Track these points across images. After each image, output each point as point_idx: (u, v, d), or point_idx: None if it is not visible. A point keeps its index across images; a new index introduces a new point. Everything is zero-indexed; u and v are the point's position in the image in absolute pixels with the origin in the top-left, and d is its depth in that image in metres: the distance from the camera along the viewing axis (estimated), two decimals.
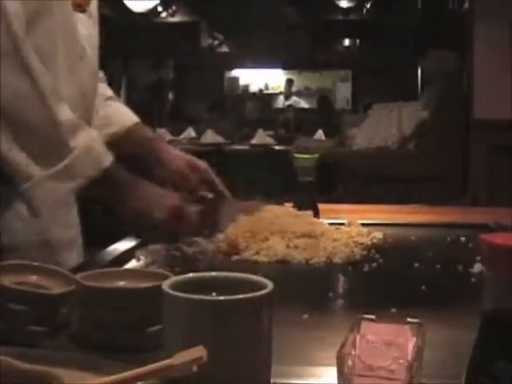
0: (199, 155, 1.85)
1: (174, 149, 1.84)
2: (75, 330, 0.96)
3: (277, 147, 7.69)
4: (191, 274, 0.76)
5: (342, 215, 1.84)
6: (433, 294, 1.24)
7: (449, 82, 4.72)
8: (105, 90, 1.82)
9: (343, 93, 12.40)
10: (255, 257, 1.48)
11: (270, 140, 8.07)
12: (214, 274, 0.76)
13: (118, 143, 1.69)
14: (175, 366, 0.57)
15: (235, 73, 12.66)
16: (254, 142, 7.84)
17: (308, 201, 1.79)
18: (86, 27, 1.58)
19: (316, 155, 2.07)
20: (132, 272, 1.01)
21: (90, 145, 1.44)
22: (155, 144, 1.80)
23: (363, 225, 1.77)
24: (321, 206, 1.78)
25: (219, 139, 7.05)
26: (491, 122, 4.28)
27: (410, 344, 0.75)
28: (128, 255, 1.52)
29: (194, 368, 0.58)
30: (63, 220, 1.44)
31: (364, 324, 0.78)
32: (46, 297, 0.96)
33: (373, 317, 0.80)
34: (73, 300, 0.95)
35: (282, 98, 12.55)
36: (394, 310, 1.11)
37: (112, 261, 1.46)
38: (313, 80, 12.67)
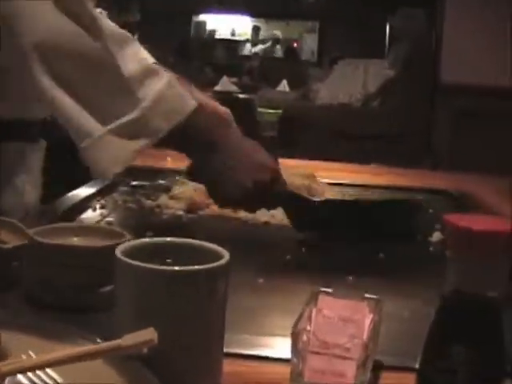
0: None
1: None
2: (27, 286, 0.93)
3: (240, 95, 7.66)
4: (146, 239, 0.73)
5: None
6: (390, 264, 1.23)
7: (417, 41, 4.69)
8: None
9: (309, 44, 12.35)
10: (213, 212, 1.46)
11: (233, 87, 8.03)
12: (169, 239, 0.74)
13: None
14: (124, 347, 0.55)
15: (202, 17, 12.54)
16: (217, 88, 7.80)
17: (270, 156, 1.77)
18: None
19: (279, 111, 2.06)
20: (87, 229, 0.99)
21: (163, 94, 1.21)
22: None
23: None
24: (281, 161, 1.76)
25: None
26: (458, 85, 4.27)
27: (367, 321, 0.74)
28: (86, 203, 1.50)
29: (144, 350, 0.56)
30: None
31: (321, 298, 0.76)
32: None
33: (330, 290, 0.78)
34: (26, 255, 0.93)
35: (248, 45, 12.47)
36: (350, 278, 1.10)
37: (70, 208, 1.43)
38: (280, 29, 12.58)
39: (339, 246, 1.30)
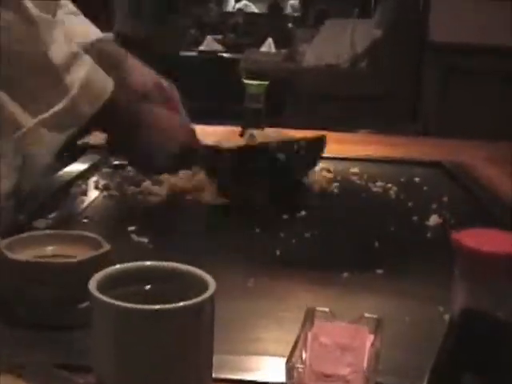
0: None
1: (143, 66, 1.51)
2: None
3: (225, 55, 7.58)
4: (122, 266, 0.66)
5: None
6: (386, 254, 1.16)
7: (404, 0, 4.62)
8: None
9: None
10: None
11: (218, 47, 7.94)
12: (148, 263, 0.67)
13: None
14: None
15: None
16: (202, 48, 7.72)
17: (257, 128, 1.72)
18: None
19: (266, 82, 2.01)
20: (62, 236, 0.92)
21: (89, 76, 1.23)
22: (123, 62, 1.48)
23: None
24: (267, 130, 1.70)
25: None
26: (446, 44, 4.20)
27: (368, 344, 0.68)
28: (67, 188, 1.44)
29: None
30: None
31: (317, 320, 0.70)
32: None
33: (326, 310, 0.72)
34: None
35: (231, 0, 12.31)
36: (345, 274, 1.04)
37: (49, 197, 1.38)
38: None
39: (330, 236, 1.24)
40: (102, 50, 1.45)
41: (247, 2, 12.04)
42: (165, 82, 1.48)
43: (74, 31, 1.49)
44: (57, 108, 1.18)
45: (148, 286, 0.66)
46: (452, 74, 4.21)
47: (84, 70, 1.22)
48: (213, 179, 1.42)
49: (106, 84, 1.26)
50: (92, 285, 0.61)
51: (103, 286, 0.62)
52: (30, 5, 1.16)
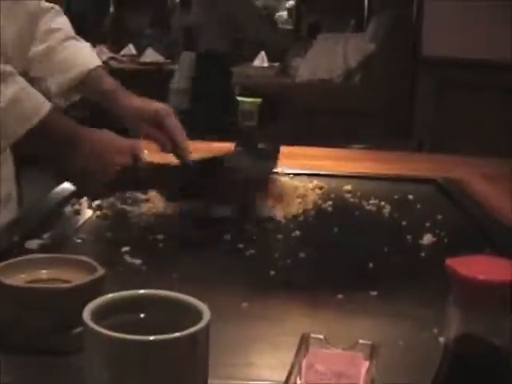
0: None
1: (135, 99, 1.56)
2: None
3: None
4: (116, 294, 0.66)
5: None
6: (380, 275, 1.16)
7: (398, 14, 4.63)
8: (62, 29, 1.60)
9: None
10: None
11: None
12: (142, 292, 0.67)
13: (78, 90, 1.55)
14: None
15: None
16: None
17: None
18: None
19: (259, 100, 2.02)
20: (56, 260, 0.92)
21: (18, 96, 1.25)
22: (114, 95, 1.55)
23: (297, 175, 1.72)
24: None
25: (160, 58, 6.84)
26: (440, 59, 4.21)
27: (363, 370, 0.68)
28: (60, 208, 1.44)
29: None
30: None
31: (312, 349, 0.70)
32: None
33: (321, 337, 0.72)
34: None
35: None
36: (340, 296, 1.04)
37: (43, 217, 1.38)
38: None
39: (324, 256, 1.25)
40: (95, 81, 1.54)
41: None
42: (160, 106, 1.51)
43: (69, 60, 1.52)
44: None
45: (142, 315, 0.65)
46: (445, 87, 4.22)
47: (14, 88, 1.24)
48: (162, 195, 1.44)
49: (39, 106, 1.26)
50: (86, 314, 0.61)
51: (97, 315, 0.62)
52: None
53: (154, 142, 1.50)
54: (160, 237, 1.29)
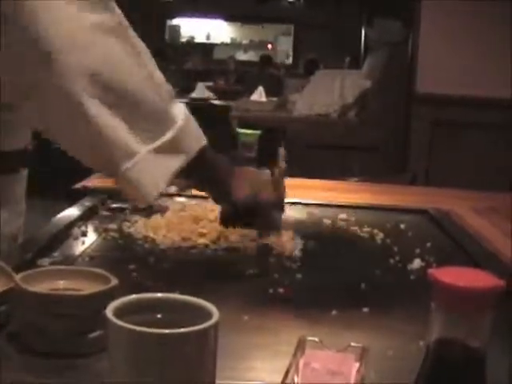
0: None
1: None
2: (14, 330, 0.94)
3: (216, 102, 7.67)
4: (136, 296, 0.74)
5: None
6: (373, 295, 1.23)
7: (393, 52, 4.70)
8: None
9: (284, 47, 12.46)
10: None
11: (209, 94, 8.03)
12: (159, 295, 0.75)
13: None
14: None
15: (177, 21, 12.53)
16: (193, 95, 7.80)
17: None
18: None
19: (258, 131, 2.07)
20: (73, 272, 0.99)
21: (188, 115, 1.25)
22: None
23: (293, 203, 1.79)
24: None
25: None
26: (434, 96, 4.29)
27: (354, 370, 0.76)
28: (67, 231, 1.50)
29: None
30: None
31: (308, 349, 0.78)
32: None
33: (317, 340, 0.80)
34: (13, 300, 0.93)
35: (223, 49, 12.48)
36: (334, 312, 1.11)
37: (51, 238, 1.43)
38: (255, 33, 12.66)
39: (320, 277, 1.32)
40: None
41: (238, 51, 12.25)
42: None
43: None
44: (166, 138, 1.19)
45: (159, 315, 0.73)
46: (439, 123, 4.30)
47: (182, 106, 1.25)
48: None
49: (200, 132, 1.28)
50: (109, 311, 0.68)
51: (118, 314, 0.69)
52: (132, 33, 1.20)
53: None
54: (168, 259, 1.36)
